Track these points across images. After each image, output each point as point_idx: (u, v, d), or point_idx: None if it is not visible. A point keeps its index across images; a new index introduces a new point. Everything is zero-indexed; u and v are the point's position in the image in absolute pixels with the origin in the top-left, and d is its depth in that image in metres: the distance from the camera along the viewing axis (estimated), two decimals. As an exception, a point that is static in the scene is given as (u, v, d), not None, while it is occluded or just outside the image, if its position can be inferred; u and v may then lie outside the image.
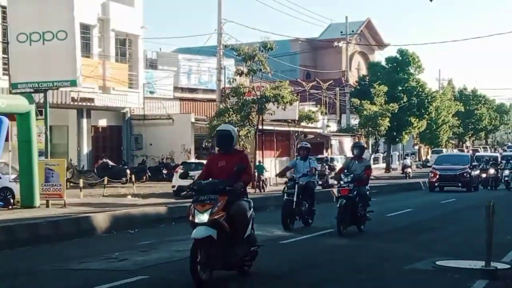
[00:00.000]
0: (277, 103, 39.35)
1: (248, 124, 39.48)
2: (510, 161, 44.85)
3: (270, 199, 29.43)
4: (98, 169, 38.34)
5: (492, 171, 43.34)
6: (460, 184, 40.00)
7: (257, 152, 41.92)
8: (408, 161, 63.87)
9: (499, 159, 51.54)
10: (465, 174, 39.99)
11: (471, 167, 40.92)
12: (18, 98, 25.89)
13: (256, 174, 39.33)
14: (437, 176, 40.35)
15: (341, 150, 59.19)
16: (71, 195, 28.71)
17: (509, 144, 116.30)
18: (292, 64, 69.76)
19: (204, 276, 10.09)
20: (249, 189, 38.77)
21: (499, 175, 43.49)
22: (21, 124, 25.74)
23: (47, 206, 25.46)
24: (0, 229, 16.01)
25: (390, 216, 23.37)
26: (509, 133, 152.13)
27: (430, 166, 58.29)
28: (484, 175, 43.46)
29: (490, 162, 45.27)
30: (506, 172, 42.77)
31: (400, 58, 65.77)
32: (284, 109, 40.41)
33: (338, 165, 47.77)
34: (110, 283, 10.88)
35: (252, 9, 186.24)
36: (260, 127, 40.93)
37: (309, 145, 20.36)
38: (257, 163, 40.14)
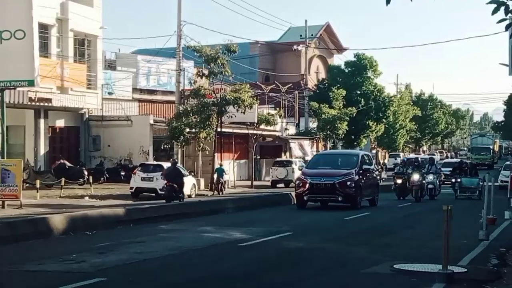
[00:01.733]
0: (238, 107, 39.40)
1: (208, 126, 39.45)
2: (435, 164, 37.63)
3: (228, 202, 29.47)
4: (55, 170, 37.94)
5: (416, 177, 33.81)
6: (340, 198, 27.79)
7: (216, 154, 41.90)
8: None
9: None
10: (348, 182, 27.77)
11: (361, 171, 28.84)
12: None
13: (216, 176, 39.30)
14: (307, 186, 28.07)
15: (303, 152, 59.15)
16: (27, 196, 28.40)
17: (465, 148, 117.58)
18: (251, 66, 69.82)
19: None
20: (208, 191, 39.07)
21: (423, 181, 34.49)
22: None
23: (3, 207, 25.15)
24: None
25: (348, 220, 23.57)
26: (465, 138, 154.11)
27: (391, 169, 57.80)
28: (399, 181, 35.47)
29: (414, 165, 36.01)
30: (430, 177, 34.92)
31: (358, 62, 66.21)
32: (244, 113, 40.47)
33: (296, 168, 47.95)
34: (68, 285, 10.81)
35: (211, 11, 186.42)
36: (219, 129, 40.97)
37: None
38: (217, 166, 40.08)
